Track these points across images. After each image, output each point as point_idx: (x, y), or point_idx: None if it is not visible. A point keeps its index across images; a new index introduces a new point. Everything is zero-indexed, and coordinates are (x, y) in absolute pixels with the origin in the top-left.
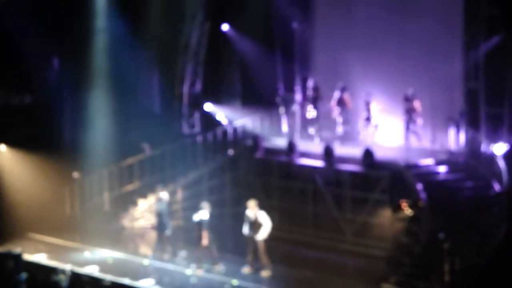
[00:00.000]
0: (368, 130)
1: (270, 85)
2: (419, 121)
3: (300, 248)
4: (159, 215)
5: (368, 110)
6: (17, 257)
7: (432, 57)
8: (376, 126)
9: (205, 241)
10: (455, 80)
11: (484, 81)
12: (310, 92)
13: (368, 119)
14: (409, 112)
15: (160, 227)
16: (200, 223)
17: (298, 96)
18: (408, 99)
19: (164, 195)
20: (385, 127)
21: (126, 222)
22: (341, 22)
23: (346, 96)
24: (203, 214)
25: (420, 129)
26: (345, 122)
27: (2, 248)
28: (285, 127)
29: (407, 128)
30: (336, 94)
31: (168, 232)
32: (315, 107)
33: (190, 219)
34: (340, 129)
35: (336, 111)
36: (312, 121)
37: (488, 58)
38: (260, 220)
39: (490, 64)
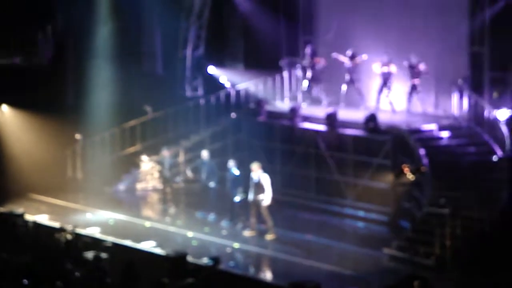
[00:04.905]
0: (382, 95)
1: (273, 48)
2: (418, 82)
3: (302, 212)
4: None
5: (387, 75)
6: (20, 217)
7: (437, 21)
8: (389, 92)
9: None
10: (459, 44)
11: (488, 45)
12: (308, 59)
13: (385, 83)
14: (413, 78)
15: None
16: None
17: (301, 60)
18: (412, 66)
19: (205, 153)
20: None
21: (128, 184)
22: None
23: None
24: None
25: (424, 94)
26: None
27: (4, 208)
28: (288, 91)
29: (411, 93)
30: (347, 61)
31: (212, 184)
32: (313, 74)
33: (192, 182)
34: (344, 91)
35: (347, 79)
36: (309, 86)
37: (493, 23)
38: (262, 182)
39: (495, 29)
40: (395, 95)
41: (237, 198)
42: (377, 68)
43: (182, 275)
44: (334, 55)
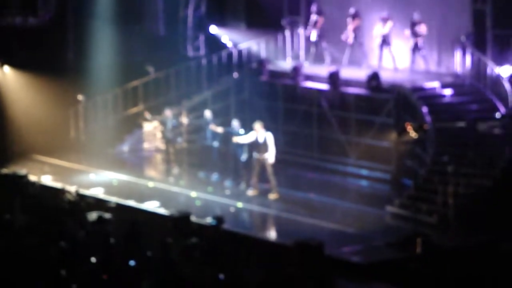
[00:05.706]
0: (382, 53)
1: (275, 7)
2: (421, 40)
3: (304, 171)
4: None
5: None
6: (24, 178)
7: None
8: (390, 49)
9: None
10: (462, 2)
11: (491, 2)
12: (313, 17)
13: (384, 39)
14: (415, 36)
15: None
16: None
17: (303, 19)
18: (414, 24)
19: (208, 113)
20: (392, 49)
21: (130, 144)
22: None
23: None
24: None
25: (426, 52)
26: (357, 45)
27: (7, 170)
28: (290, 50)
29: (413, 51)
30: (350, 22)
31: (215, 143)
32: (319, 32)
33: (194, 142)
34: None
35: (351, 38)
36: (315, 44)
37: None
38: (267, 141)
39: None
40: (397, 52)
41: (243, 157)
42: (378, 29)
43: (185, 234)
44: (352, 10)
